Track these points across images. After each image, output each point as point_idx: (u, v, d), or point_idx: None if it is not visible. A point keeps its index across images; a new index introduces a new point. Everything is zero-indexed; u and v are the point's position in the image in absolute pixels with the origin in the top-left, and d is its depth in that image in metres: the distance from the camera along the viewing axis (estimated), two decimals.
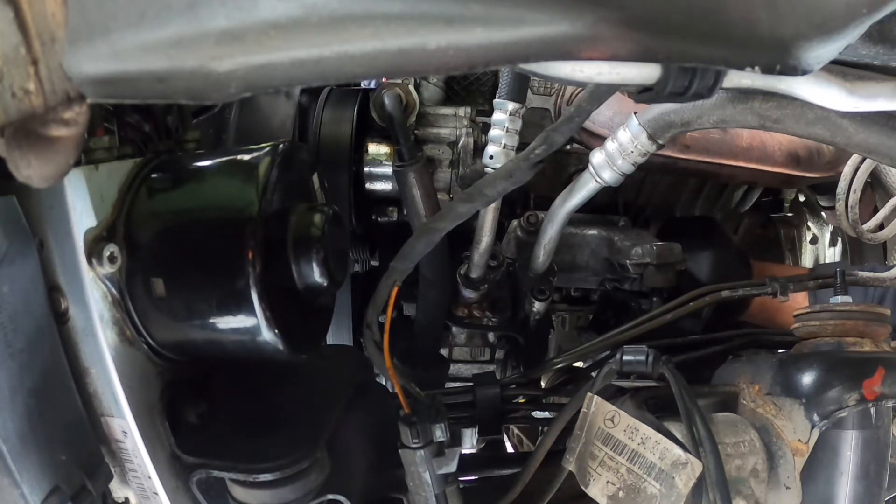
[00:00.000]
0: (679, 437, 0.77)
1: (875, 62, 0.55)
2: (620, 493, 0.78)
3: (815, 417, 0.77)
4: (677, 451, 0.75)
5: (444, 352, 1.58)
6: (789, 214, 1.64)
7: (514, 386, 1.12)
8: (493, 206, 1.15)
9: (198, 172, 0.80)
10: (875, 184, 1.35)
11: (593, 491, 0.80)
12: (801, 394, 0.79)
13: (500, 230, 1.29)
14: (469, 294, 1.34)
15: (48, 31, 0.44)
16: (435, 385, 1.42)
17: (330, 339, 1.28)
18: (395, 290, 0.88)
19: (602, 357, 1.13)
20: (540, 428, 1.45)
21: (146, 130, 0.82)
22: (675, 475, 0.74)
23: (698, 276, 1.33)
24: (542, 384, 1.29)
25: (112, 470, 0.73)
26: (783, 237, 1.59)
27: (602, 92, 0.72)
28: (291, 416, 0.84)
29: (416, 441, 0.80)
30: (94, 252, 0.66)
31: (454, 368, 1.61)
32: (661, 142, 0.84)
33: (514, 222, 1.31)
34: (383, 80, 1.28)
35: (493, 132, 1.09)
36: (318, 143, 1.32)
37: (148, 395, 0.74)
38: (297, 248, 0.76)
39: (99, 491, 0.69)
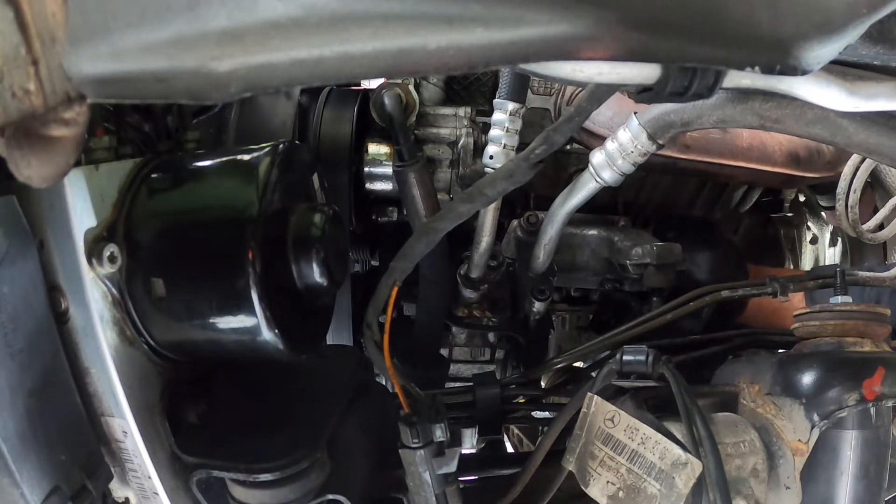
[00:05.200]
0: (679, 437, 0.77)
1: (875, 62, 0.55)
2: (620, 493, 0.78)
3: (815, 417, 0.77)
4: (677, 451, 0.75)
5: (444, 352, 1.57)
6: (789, 214, 1.64)
7: (514, 386, 1.12)
8: (493, 206, 1.15)
9: (198, 172, 0.80)
10: (875, 184, 1.35)
11: (593, 491, 0.80)
12: (801, 394, 0.79)
13: (500, 230, 1.29)
14: (469, 294, 1.34)
15: (48, 31, 0.43)
16: (435, 385, 1.42)
17: (330, 339, 1.27)
18: (395, 290, 0.88)
19: (602, 357, 1.13)
20: (540, 428, 1.45)
21: (146, 130, 0.82)
22: (675, 475, 0.74)
23: (694, 277, 1.33)
24: (542, 384, 1.29)
25: (112, 470, 0.73)
26: (783, 237, 1.59)
27: (602, 92, 0.72)
28: (291, 416, 0.84)
29: (416, 441, 0.80)
30: (94, 252, 0.66)
31: (454, 368, 1.61)
32: (661, 142, 0.84)
33: (514, 222, 1.31)
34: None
35: (493, 132, 1.09)
36: (318, 143, 1.32)
37: (148, 395, 0.74)
38: (297, 248, 0.76)
39: (99, 491, 0.69)
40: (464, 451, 0.88)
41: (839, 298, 0.87)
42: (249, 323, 0.71)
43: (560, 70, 0.49)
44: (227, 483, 0.78)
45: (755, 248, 1.64)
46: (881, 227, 1.31)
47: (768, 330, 1.11)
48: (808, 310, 0.86)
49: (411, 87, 1.30)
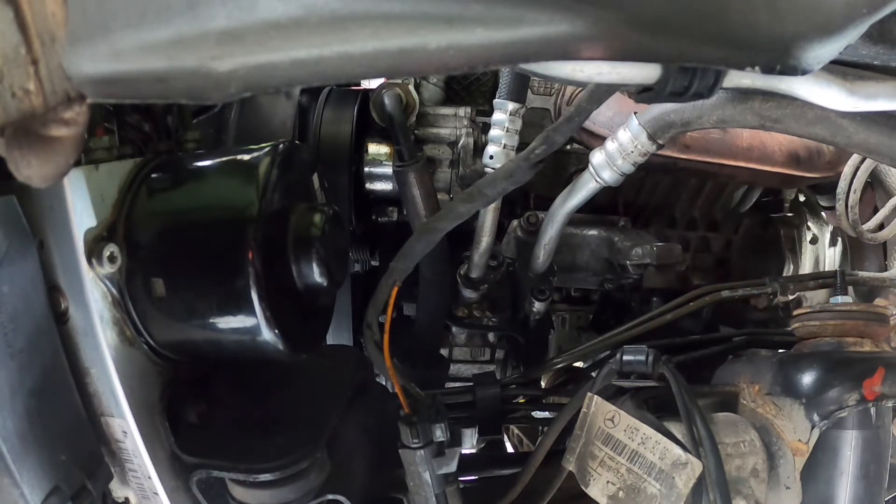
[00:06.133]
0: (679, 437, 0.77)
1: (875, 62, 0.55)
2: (620, 493, 0.78)
3: (815, 417, 0.77)
4: (677, 451, 0.75)
5: (444, 352, 1.58)
6: (789, 214, 1.64)
7: (514, 386, 1.12)
8: (493, 206, 1.15)
9: (198, 172, 0.80)
10: (875, 184, 1.35)
11: (593, 491, 0.80)
12: (801, 394, 0.79)
13: (500, 230, 1.29)
14: (469, 294, 1.34)
15: (48, 31, 0.44)
16: (435, 385, 1.42)
17: (330, 339, 1.27)
18: (395, 290, 0.88)
19: (602, 357, 1.13)
20: (540, 428, 1.45)
21: (146, 130, 0.82)
22: (675, 475, 0.74)
23: None
24: (542, 384, 1.29)
25: (112, 470, 0.73)
26: (783, 237, 1.59)
27: (602, 92, 0.72)
28: (291, 416, 0.84)
29: (416, 441, 0.80)
30: (94, 252, 0.66)
31: (454, 368, 1.61)
32: (661, 142, 0.84)
33: (514, 222, 1.31)
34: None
35: (493, 132, 1.09)
36: (318, 143, 1.32)
37: (148, 395, 0.74)
38: (297, 248, 0.76)
39: (99, 491, 0.69)
40: (464, 451, 0.88)
41: (839, 298, 0.87)
42: (249, 323, 0.71)
43: (560, 70, 0.49)
44: (227, 483, 0.78)
45: (755, 248, 1.64)
46: (881, 227, 1.31)
47: (768, 330, 1.11)
48: (808, 310, 0.87)
49: (411, 87, 1.30)
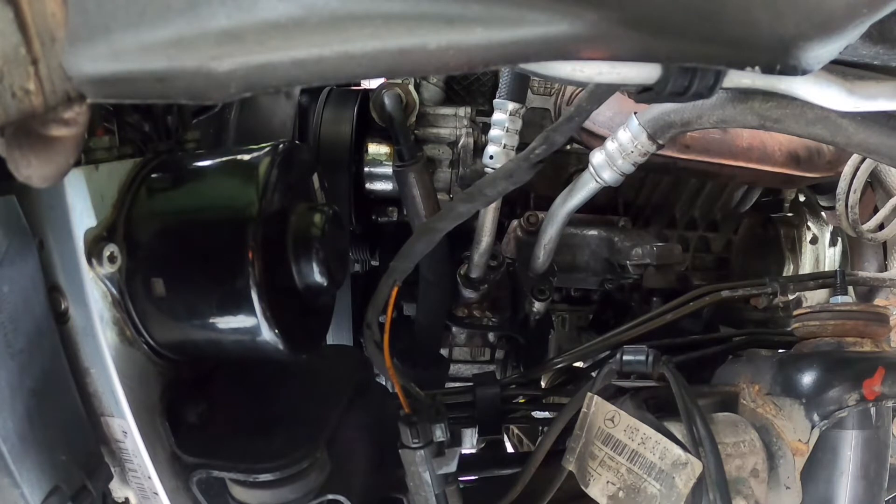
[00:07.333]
0: (679, 437, 0.77)
1: (875, 62, 0.55)
2: (620, 493, 0.78)
3: (815, 417, 0.77)
4: (677, 451, 0.75)
5: (444, 352, 1.58)
6: (789, 214, 1.64)
7: (514, 386, 1.12)
8: (493, 206, 1.15)
9: (198, 172, 0.80)
10: (875, 184, 1.35)
11: (593, 491, 0.80)
12: (801, 394, 0.79)
13: (500, 230, 1.29)
14: (469, 294, 1.34)
15: (48, 31, 0.43)
16: (435, 385, 1.42)
17: (330, 339, 1.27)
18: (395, 290, 0.88)
19: (602, 357, 1.13)
20: (540, 428, 1.45)
21: (146, 130, 0.82)
22: (676, 475, 0.74)
23: None
24: (542, 384, 1.29)
25: (112, 470, 0.73)
26: (783, 237, 1.59)
27: (602, 92, 0.72)
28: (291, 416, 0.84)
29: (416, 441, 0.80)
30: (94, 252, 0.66)
31: (454, 368, 1.61)
32: (661, 142, 0.84)
33: (514, 222, 1.32)
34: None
35: (493, 132, 1.09)
36: (318, 143, 1.32)
37: (148, 395, 0.74)
38: (297, 248, 0.76)
39: (99, 491, 0.69)
40: (464, 451, 0.88)
41: (839, 298, 0.87)
42: (249, 323, 0.71)
43: (560, 70, 0.49)
44: (227, 483, 0.78)
45: (755, 248, 1.64)
46: (881, 227, 1.31)
47: (768, 330, 1.11)
48: (808, 310, 0.87)
49: (411, 87, 1.30)
